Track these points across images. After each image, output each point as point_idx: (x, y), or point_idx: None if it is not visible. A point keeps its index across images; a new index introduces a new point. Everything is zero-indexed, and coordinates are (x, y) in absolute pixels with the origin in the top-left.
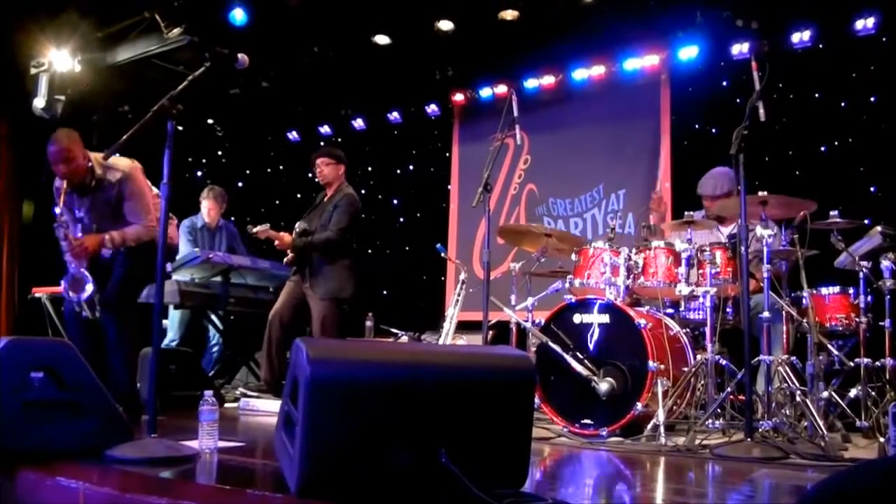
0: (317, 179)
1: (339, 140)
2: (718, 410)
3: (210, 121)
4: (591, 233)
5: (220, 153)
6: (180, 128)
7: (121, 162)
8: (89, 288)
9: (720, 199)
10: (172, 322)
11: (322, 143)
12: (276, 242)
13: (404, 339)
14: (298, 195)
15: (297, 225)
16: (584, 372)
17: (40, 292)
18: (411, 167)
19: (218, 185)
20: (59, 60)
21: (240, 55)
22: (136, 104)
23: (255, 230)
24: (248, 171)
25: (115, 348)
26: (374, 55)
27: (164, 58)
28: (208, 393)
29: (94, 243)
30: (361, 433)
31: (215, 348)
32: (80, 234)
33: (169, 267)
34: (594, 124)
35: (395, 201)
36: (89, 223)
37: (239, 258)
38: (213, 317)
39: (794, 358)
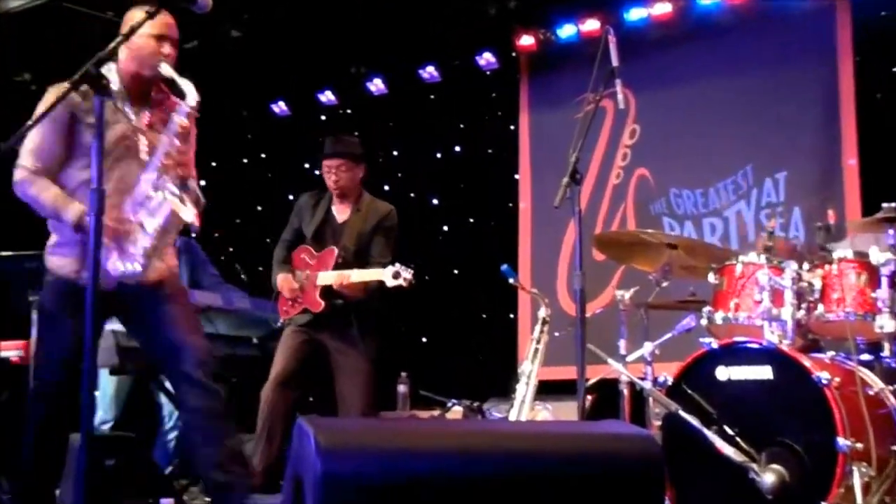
0: (334, 188)
1: (349, 111)
2: None
3: None
4: (737, 240)
5: None
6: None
7: None
8: None
9: None
10: (104, 393)
11: (323, 118)
12: (339, 283)
13: (457, 411)
14: (290, 196)
15: (337, 252)
16: (738, 457)
17: None
18: (457, 148)
19: None
20: None
21: None
22: (41, 70)
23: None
24: (213, 164)
25: None
26: None
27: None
28: (167, 501)
29: None
30: None
31: (172, 434)
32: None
33: None
34: (733, 75)
35: (435, 201)
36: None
37: (207, 296)
38: (169, 385)
39: None
